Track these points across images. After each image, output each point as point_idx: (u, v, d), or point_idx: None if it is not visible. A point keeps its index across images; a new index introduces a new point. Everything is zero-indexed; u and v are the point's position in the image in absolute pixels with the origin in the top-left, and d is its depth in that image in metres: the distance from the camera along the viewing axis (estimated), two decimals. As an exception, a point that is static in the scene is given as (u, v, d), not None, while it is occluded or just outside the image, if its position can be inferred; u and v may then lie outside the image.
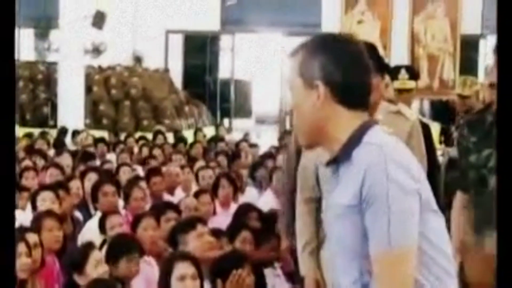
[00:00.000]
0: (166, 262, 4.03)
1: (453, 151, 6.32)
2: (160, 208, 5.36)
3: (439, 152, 6.62)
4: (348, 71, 1.96)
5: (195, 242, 4.35)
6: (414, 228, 1.86)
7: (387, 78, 3.52)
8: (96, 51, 15.79)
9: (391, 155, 1.88)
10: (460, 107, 6.65)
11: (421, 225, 1.88)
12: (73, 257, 4.15)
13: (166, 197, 6.82)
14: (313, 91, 1.98)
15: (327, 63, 1.96)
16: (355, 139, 1.95)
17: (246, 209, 5.66)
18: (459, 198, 2.89)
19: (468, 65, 16.65)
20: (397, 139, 2.02)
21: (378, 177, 1.85)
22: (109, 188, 5.93)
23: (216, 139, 11.53)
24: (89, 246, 4.21)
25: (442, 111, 14.44)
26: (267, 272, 4.83)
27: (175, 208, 5.35)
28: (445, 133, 10.15)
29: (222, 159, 8.76)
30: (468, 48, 16.94)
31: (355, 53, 2.00)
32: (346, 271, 1.95)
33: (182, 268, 3.84)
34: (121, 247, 4.33)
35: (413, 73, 5.82)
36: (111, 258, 4.26)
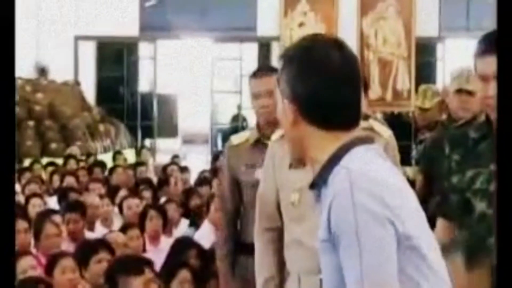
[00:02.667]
0: None
1: (410, 172, 6.42)
2: (89, 247, 5.30)
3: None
4: (319, 85, 1.97)
5: None
6: (391, 261, 1.86)
7: None
8: (-8, 62, 15.57)
9: (359, 181, 1.89)
10: (420, 121, 6.73)
11: (403, 261, 1.89)
12: None
13: (86, 233, 6.75)
14: (288, 108, 2.03)
15: (292, 77, 1.99)
16: (332, 163, 1.97)
17: (184, 245, 5.65)
18: (440, 226, 2.92)
19: (424, 72, 16.97)
20: (386, 162, 2.03)
21: (344, 206, 1.87)
22: (19, 224, 5.84)
23: (139, 163, 11.47)
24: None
25: (396, 126, 14.66)
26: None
27: (108, 247, 5.28)
28: (401, 150, 10.29)
29: (146, 187, 8.71)
30: (424, 52, 17.27)
31: (328, 61, 1.98)
32: None
33: None
34: None
35: None
36: None
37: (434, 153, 4.45)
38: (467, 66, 5.08)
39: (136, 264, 4.60)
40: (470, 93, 4.79)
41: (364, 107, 4.08)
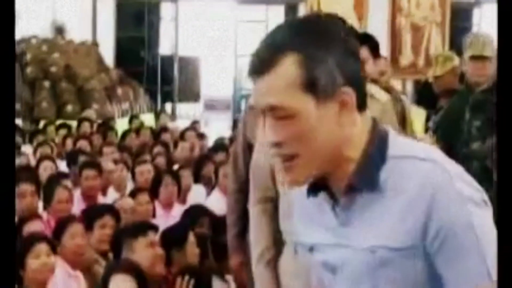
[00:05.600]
0: (104, 271, 4.13)
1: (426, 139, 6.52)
2: (95, 211, 5.45)
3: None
4: (358, 61, 1.86)
5: (144, 251, 4.49)
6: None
7: (365, 52, 3.67)
8: (8, 20, 15.67)
9: (451, 170, 1.79)
10: (436, 89, 6.84)
11: None
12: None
13: (99, 197, 6.91)
14: (332, 103, 1.77)
15: (345, 59, 1.79)
16: (376, 156, 1.81)
17: (197, 212, 5.81)
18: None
19: (459, 39, 16.89)
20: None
21: (453, 201, 1.76)
22: (27, 187, 5.97)
23: (163, 129, 11.56)
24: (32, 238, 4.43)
25: (427, 94, 14.69)
26: (216, 283, 4.97)
27: (114, 212, 5.43)
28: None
29: (161, 152, 8.83)
30: (460, 17, 17.21)
31: (350, 35, 1.86)
32: None
33: (120, 282, 3.97)
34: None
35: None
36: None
37: (453, 119, 4.50)
38: (482, 32, 5.17)
39: (140, 226, 4.76)
40: (486, 58, 4.86)
41: (370, 71, 4.16)
